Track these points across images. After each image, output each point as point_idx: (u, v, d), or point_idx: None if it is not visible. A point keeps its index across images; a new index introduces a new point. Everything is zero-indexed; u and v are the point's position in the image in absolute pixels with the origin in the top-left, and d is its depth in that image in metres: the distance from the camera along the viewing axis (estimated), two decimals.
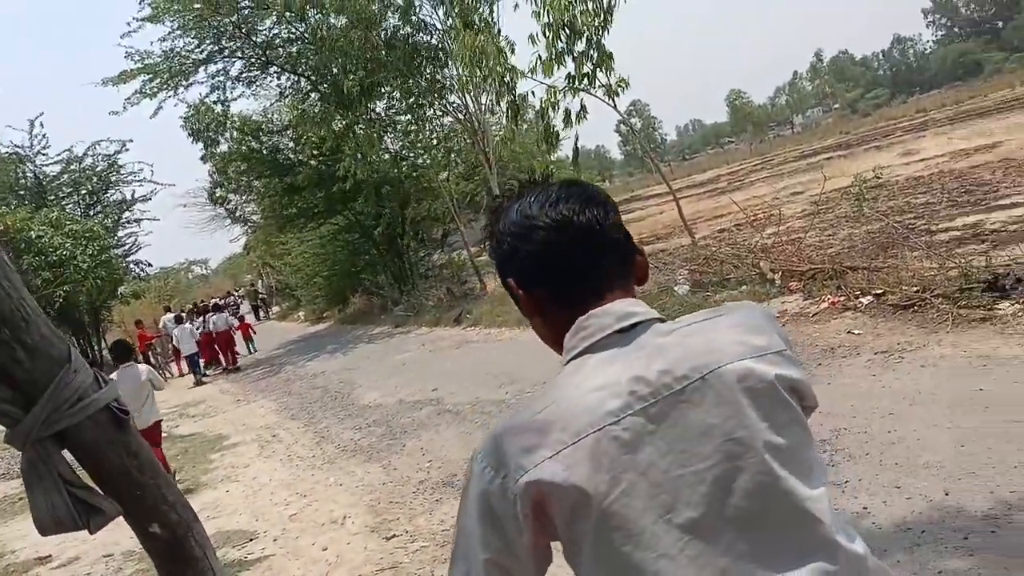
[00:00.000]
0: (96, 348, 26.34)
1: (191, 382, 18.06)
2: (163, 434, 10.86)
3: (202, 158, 21.35)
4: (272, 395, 13.33)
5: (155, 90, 18.54)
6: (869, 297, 7.29)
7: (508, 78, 12.63)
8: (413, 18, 16.68)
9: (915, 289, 6.91)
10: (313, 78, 19.76)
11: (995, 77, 62.37)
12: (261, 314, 40.02)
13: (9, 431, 1.55)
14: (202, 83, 19.76)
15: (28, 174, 24.70)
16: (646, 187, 49.39)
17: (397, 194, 20.42)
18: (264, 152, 21.32)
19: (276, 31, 19.40)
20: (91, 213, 25.54)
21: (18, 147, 24.10)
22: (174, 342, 19.30)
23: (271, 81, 20.83)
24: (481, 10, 14.62)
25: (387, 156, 19.79)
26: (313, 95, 20.21)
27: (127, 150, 25.42)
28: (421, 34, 17.05)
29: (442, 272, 21.10)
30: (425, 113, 18.01)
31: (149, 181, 26.33)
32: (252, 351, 21.85)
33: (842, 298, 7.57)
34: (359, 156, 17.71)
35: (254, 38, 19.14)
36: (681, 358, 1.04)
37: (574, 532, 1.01)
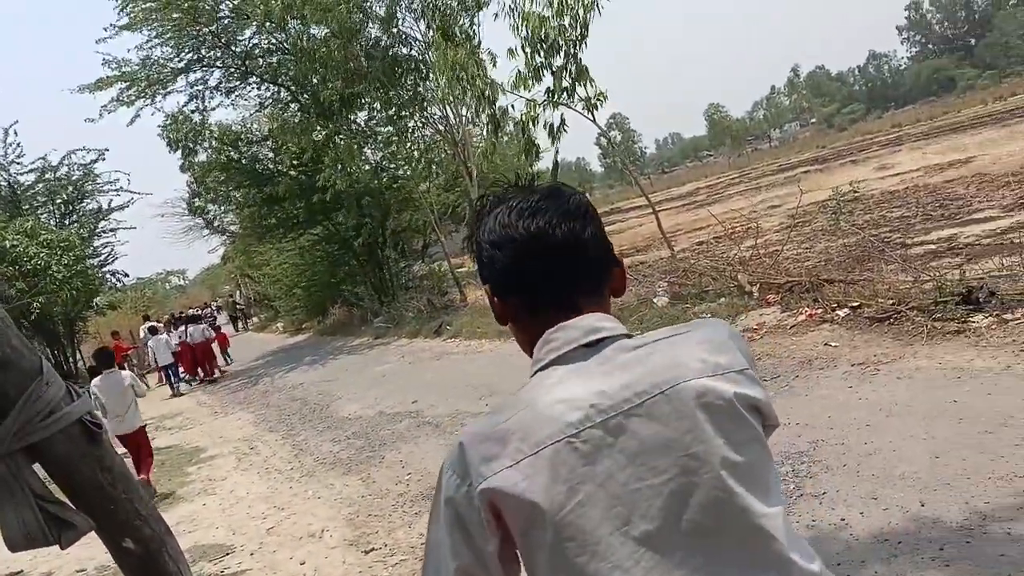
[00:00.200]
0: (71, 360, 25.98)
1: (167, 393, 17.86)
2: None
3: (181, 168, 21.18)
4: (250, 407, 13.20)
5: (132, 98, 18.41)
6: (845, 310, 7.35)
7: (487, 92, 12.67)
8: (394, 30, 16.71)
9: (891, 302, 6.98)
10: (293, 88, 19.71)
11: (968, 93, 63.51)
12: (240, 325, 39.69)
13: None
14: (181, 92, 19.65)
15: (2, 183, 24.37)
16: (626, 199, 49.65)
17: (378, 205, 20.36)
18: (243, 162, 21.18)
19: (256, 41, 19.35)
20: (66, 223, 25.23)
21: None
22: (149, 354, 19.08)
23: (251, 91, 20.76)
24: (461, 22, 14.68)
25: (367, 167, 19.75)
26: (293, 106, 20.16)
27: (103, 159, 25.19)
28: (402, 46, 17.08)
29: (422, 283, 21.02)
30: (406, 124, 18.01)
31: (126, 191, 26.10)
32: (228, 362, 21.66)
33: (819, 311, 7.63)
34: (339, 167, 17.66)
35: (233, 48, 19.06)
36: (643, 374, 1.06)
37: (531, 542, 1.02)
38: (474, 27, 14.83)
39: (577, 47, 11.37)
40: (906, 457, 4.23)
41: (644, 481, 1.01)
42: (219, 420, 12.72)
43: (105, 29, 17.87)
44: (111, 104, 18.39)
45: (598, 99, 11.79)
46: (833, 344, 6.77)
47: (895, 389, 5.36)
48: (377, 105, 18.08)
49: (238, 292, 44.84)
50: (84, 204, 26.31)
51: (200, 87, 19.61)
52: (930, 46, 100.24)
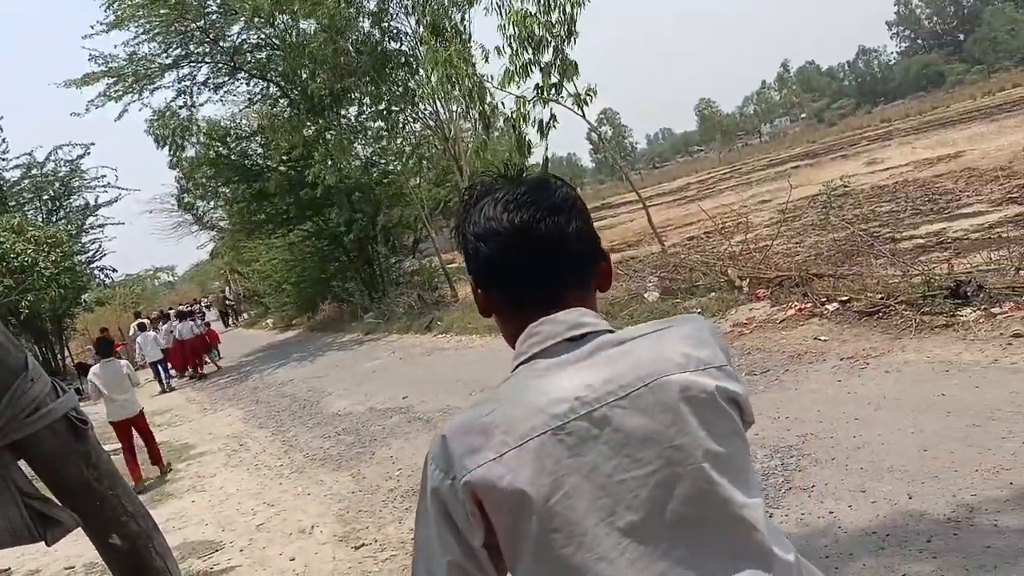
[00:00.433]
0: (59, 357, 25.83)
1: (156, 390, 17.79)
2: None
3: (169, 164, 21.06)
4: (239, 403, 13.16)
5: (120, 93, 18.29)
6: (835, 304, 7.38)
7: (475, 90, 12.67)
8: (384, 24, 16.64)
9: (880, 296, 7.01)
10: (282, 84, 19.62)
11: (957, 88, 63.88)
12: (230, 321, 39.53)
13: None
14: (168, 87, 19.53)
15: None
16: (617, 194, 49.73)
17: (368, 200, 20.31)
18: (232, 158, 21.10)
19: (244, 37, 19.24)
20: (53, 219, 25.05)
21: None
22: (137, 351, 19.00)
23: (239, 87, 20.67)
24: (452, 17, 14.63)
25: (357, 162, 19.69)
26: (283, 101, 20.07)
27: (89, 154, 25.06)
28: (392, 41, 17.02)
29: (413, 279, 21.01)
30: (397, 119, 17.96)
31: (113, 186, 25.94)
32: (218, 357, 21.58)
33: (808, 305, 7.66)
34: (329, 162, 17.60)
35: (221, 44, 18.95)
36: (627, 368, 1.06)
37: (515, 534, 1.02)
38: (465, 23, 14.80)
39: (565, 43, 11.37)
40: (894, 450, 4.25)
41: (629, 473, 1.02)
42: (208, 416, 12.68)
43: (92, 27, 17.69)
44: (98, 99, 18.27)
45: (588, 94, 11.81)
46: (822, 338, 6.80)
47: (884, 383, 5.39)
48: (367, 100, 18.03)
49: (227, 288, 44.70)
50: (71, 200, 26.14)
51: (188, 83, 19.51)
52: (919, 41, 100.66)
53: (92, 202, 26.32)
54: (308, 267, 24.19)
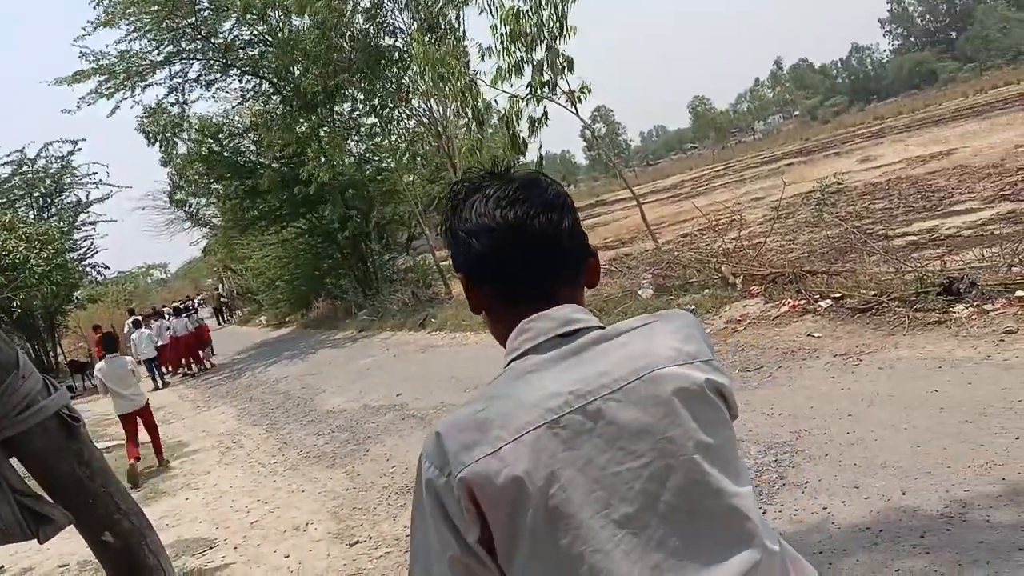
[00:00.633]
0: (52, 354, 25.74)
1: (150, 386, 17.73)
2: (121, 442, 10.70)
3: (162, 162, 21.00)
4: (233, 401, 13.13)
5: (111, 90, 18.21)
6: (828, 301, 7.40)
7: (468, 89, 12.65)
8: (379, 20, 16.60)
9: (873, 293, 7.03)
10: (275, 80, 19.55)
11: (949, 86, 63.98)
12: (222, 318, 39.43)
13: None
14: (160, 84, 19.47)
15: None
16: (611, 192, 49.72)
17: (362, 197, 20.27)
18: (225, 154, 21.01)
19: (236, 33, 19.17)
20: (45, 216, 24.98)
21: None
22: (132, 348, 18.94)
23: (232, 84, 20.59)
24: (447, 14, 14.61)
25: (351, 159, 19.64)
26: (275, 98, 20.01)
27: (79, 150, 24.96)
28: (387, 36, 16.99)
29: (407, 276, 20.96)
30: (391, 115, 17.92)
31: (104, 183, 25.89)
32: (210, 355, 21.50)
33: (802, 302, 7.68)
34: (323, 159, 17.55)
35: (213, 40, 18.87)
36: (619, 362, 1.08)
37: (511, 529, 1.02)
38: (459, 20, 14.78)
39: (557, 40, 11.36)
40: (887, 446, 4.27)
41: (623, 465, 1.03)
42: (202, 414, 12.65)
43: (83, 28, 17.61)
44: (90, 96, 18.21)
45: (582, 92, 11.80)
46: (816, 335, 6.81)
47: (877, 379, 5.40)
48: (360, 96, 17.98)
49: (221, 285, 44.61)
50: (63, 197, 26.09)
51: (180, 80, 19.44)
52: (912, 39, 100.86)
53: (84, 199, 26.25)
54: (301, 264, 24.13)
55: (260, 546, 5.56)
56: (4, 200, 23.96)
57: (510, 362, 1.13)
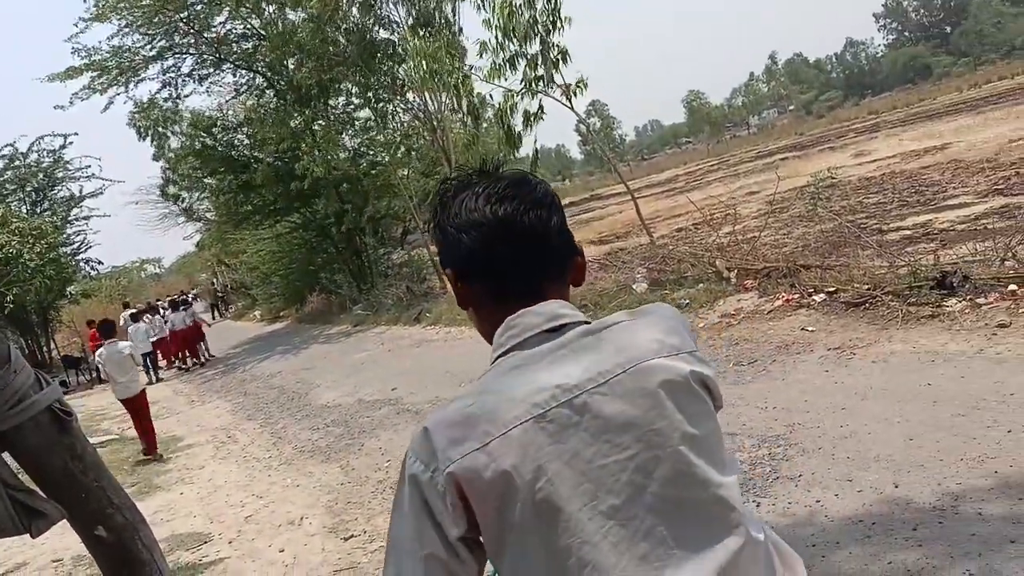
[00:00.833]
0: (45, 349, 25.65)
1: (144, 381, 17.68)
2: (116, 436, 10.69)
3: (154, 157, 20.91)
4: (228, 395, 13.12)
5: (104, 86, 18.12)
6: (822, 295, 7.42)
7: (463, 84, 12.63)
8: (374, 12, 16.55)
9: (866, 287, 7.05)
10: (268, 74, 19.48)
11: (944, 80, 64.14)
12: (217, 313, 39.30)
13: None
14: (153, 79, 19.40)
15: None
16: (606, 186, 49.71)
17: (356, 192, 20.23)
18: (219, 149, 20.94)
19: (229, 27, 19.09)
20: (38, 211, 24.85)
21: None
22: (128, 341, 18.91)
23: (225, 78, 20.52)
24: (443, 9, 14.57)
25: (343, 155, 19.59)
26: (269, 92, 19.93)
27: (71, 143, 24.85)
28: (381, 29, 16.94)
29: (401, 270, 20.92)
30: (385, 109, 17.88)
31: (97, 177, 25.76)
32: (204, 350, 21.48)
33: (796, 296, 7.70)
34: (317, 153, 17.51)
35: (206, 35, 18.79)
36: (604, 355, 1.09)
37: (499, 523, 1.03)
38: (455, 14, 14.74)
39: (551, 33, 11.34)
40: (881, 440, 4.28)
41: (609, 457, 1.04)
42: (196, 409, 12.64)
43: (76, 25, 17.52)
44: (83, 92, 18.12)
45: (578, 86, 11.79)
46: (810, 329, 6.83)
47: (870, 373, 5.42)
48: (354, 89, 17.92)
49: (216, 279, 44.49)
50: (55, 191, 25.94)
51: (173, 74, 19.36)
52: (906, 34, 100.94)
53: (76, 193, 26.14)
54: (296, 259, 24.07)
55: (255, 540, 5.56)
56: None
57: (497, 358, 1.14)
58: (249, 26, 18.86)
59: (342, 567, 4.67)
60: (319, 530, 5.40)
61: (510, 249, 1.13)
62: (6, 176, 24.66)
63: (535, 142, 13.35)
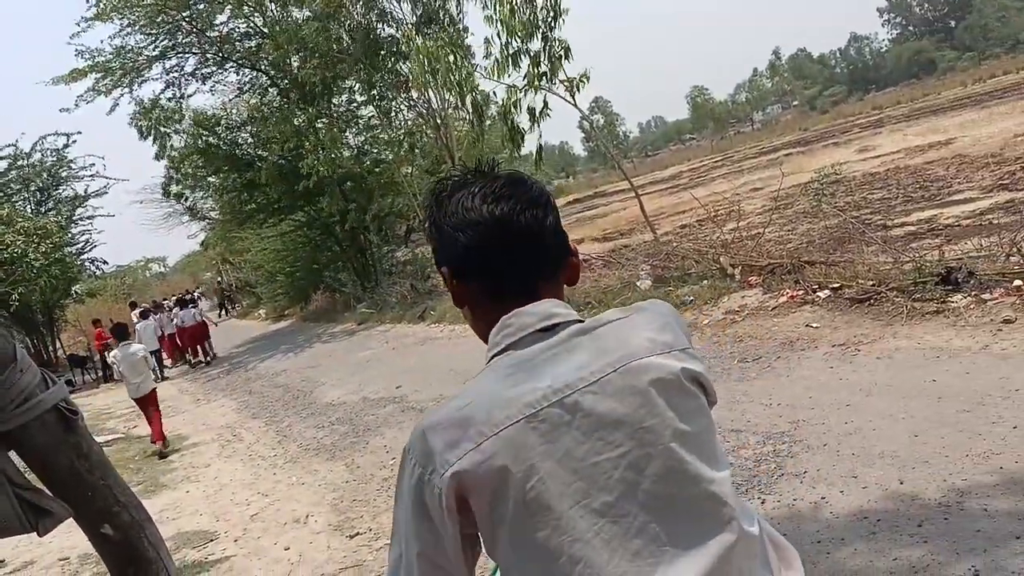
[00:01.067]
0: (51, 348, 25.73)
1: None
2: (122, 435, 10.72)
3: (156, 156, 20.89)
4: (233, 394, 13.15)
5: (108, 87, 18.15)
6: (826, 291, 7.41)
7: (465, 83, 12.62)
8: (378, 9, 16.54)
9: (871, 283, 7.04)
10: (272, 73, 19.49)
11: (948, 75, 63.88)
12: (226, 311, 39.25)
13: None
14: (157, 79, 19.42)
15: None
16: (609, 183, 49.68)
17: (360, 189, 20.23)
18: (222, 147, 20.96)
19: (232, 26, 19.10)
20: (42, 210, 24.91)
21: None
22: (136, 338, 18.97)
23: (228, 77, 20.54)
24: (447, 7, 14.56)
25: (346, 153, 19.59)
26: (272, 90, 19.93)
27: (74, 143, 24.88)
28: (385, 26, 16.92)
29: (406, 268, 20.91)
30: (389, 106, 17.87)
31: (101, 176, 25.82)
32: (209, 348, 21.53)
33: (800, 292, 7.68)
34: (321, 151, 17.51)
35: (208, 33, 18.80)
36: (596, 354, 1.10)
37: (494, 519, 1.05)
38: (459, 11, 14.72)
39: (552, 29, 11.34)
40: (885, 436, 4.28)
41: (601, 455, 1.06)
42: (202, 407, 12.67)
43: (77, 24, 17.53)
44: (88, 94, 18.17)
45: (581, 81, 11.78)
46: (814, 325, 6.82)
47: (875, 369, 5.41)
48: (357, 87, 17.92)
49: (221, 278, 44.54)
50: (60, 191, 26.01)
51: (176, 74, 19.39)
52: (911, 28, 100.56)
53: (81, 192, 26.20)
54: (300, 257, 24.11)
55: (260, 539, 5.57)
56: (1, 194, 23.91)
57: (492, 357, 1.15)
58: (252, 24, 18.87)
59: (347, 565, 4.68)
60: (324, 528, 5.41)
61: (506, 248, 1.14)
62: (10, 176, 24.72)
63: (540, 139, 13.30)
